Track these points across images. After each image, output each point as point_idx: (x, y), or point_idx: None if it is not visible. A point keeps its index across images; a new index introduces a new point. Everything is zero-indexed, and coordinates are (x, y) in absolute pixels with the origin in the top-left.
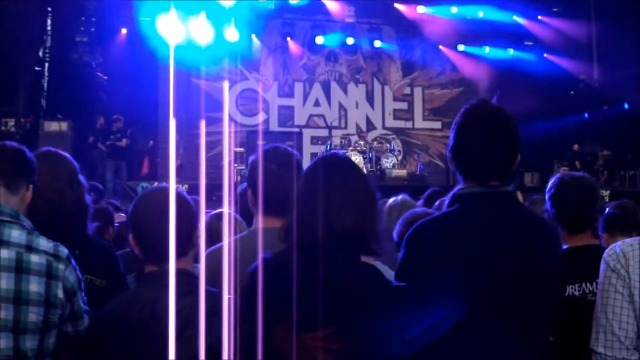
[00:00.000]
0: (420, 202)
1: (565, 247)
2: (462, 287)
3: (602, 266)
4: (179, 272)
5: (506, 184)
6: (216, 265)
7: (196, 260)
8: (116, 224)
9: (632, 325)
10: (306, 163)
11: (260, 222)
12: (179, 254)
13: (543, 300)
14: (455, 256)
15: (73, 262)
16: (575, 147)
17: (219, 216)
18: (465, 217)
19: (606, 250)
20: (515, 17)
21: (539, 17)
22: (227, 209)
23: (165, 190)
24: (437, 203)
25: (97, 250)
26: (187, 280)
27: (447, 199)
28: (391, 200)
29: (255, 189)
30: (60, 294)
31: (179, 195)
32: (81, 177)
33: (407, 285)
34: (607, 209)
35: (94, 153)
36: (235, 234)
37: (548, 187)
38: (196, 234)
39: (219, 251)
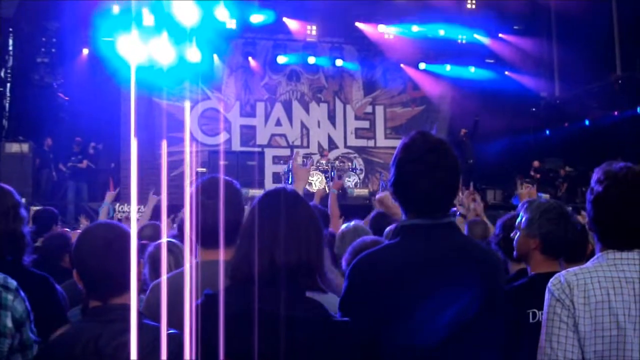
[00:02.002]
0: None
1: (532, 273)
2: (404, 320)
3: (547, 295)
4: (119, 308)
5: (448, 215)
6: (159, 299)
7: (143, 291)
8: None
9: (576, 354)
10: (268, 182)
11: (195, 256)
12: (119, 290)
13: (489, 330)
14: (396, 289)
15: (22, 293)
16: (536, 163)
17: (160, 247)
18: (407, 249)
19: (551, 280)
20: (476, 35)
21: (500, 35)
22: (165, 239)
23: (107, 226)
24: (387, 229)
25: (31, 283)
26: (127, 316)
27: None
28: (343, 226)
29: (191, 221)
30: (9, 323)
31: (117, 230)
32: (22, 211)
33: (349, 320)
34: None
35: (56, 174)
36: (178, 265)
37: (528, 209)
38: (141, 267)
39: (161, 285)
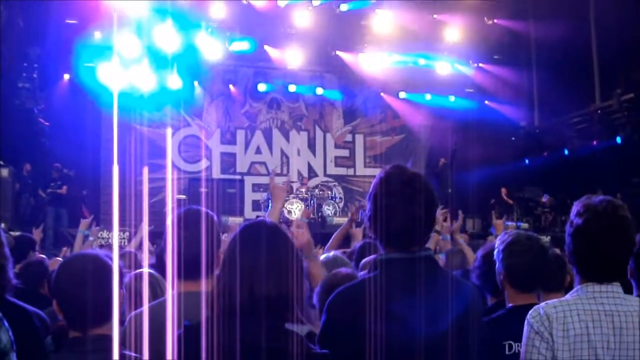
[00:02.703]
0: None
1: (509, 305)
2: (383, 353)
3: (526, 327)
4: (99, 338)
5: (425, 249)
6: (137, 330)
7: (123, 322)
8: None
9: None
10: (248, 210)
11: (174, 287)
12: (99, 321)
13: None
14: (374, 323)
15: (6, 323)
16: (504, 191)
17: (140, 276)
18: (385, 283)
19: (530, 312)
20: (456, 65)
21: (480, 65)
22: (146, 269)
23: (87, 257)
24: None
25: (9, 314)
26: (106, 346)
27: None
28: (323, 256)
29: (172, 252)
30: None
31: (97, 261)
32: (6, 250)
33: (329, 353)
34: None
35: (35, 200)
36: (155, 296)
37: (499, 241)
38: (120, 297)
39: (140, 315)
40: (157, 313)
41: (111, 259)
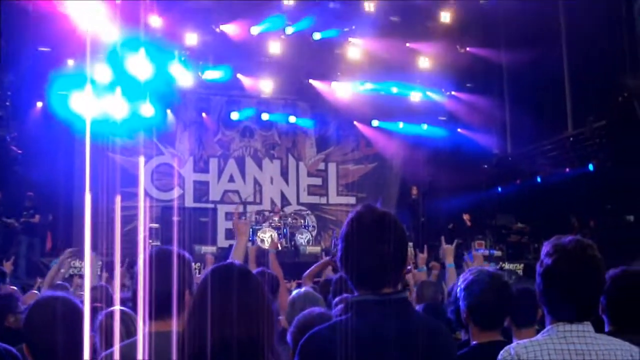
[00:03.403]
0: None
1: (473, 343)
2: None
3: None
4: None
5: (398, 290)
6: None
7: None
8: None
9: None
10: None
11: (147, 327)
12: None
13: None
14: None
15: None
16: (466, 216)
17: (111, 315)
18: (358, 326)
19: (501, 352)
20: (429, 93)
21: (453, 93)
22: (118, 307)
23: (57, 301)
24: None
25: None
26: None
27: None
28: (294, 292)
29: (143, 292)
30: None
31: (67, 304)
32: None
33: None
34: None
35: (5, 229)
36: (129, 334)
37: (462, 280)
38: (91, 340)
39: (111, 356)
40: (128, 353)
41: (82, 301)
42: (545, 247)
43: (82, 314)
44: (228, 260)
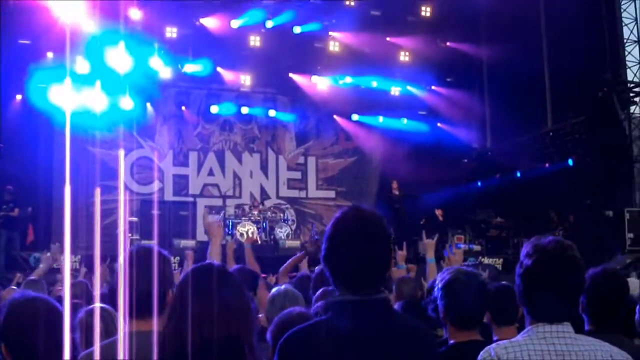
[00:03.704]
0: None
1: (451, 342)
2: None
3: None
4: None
5: (379, 291)
6: None
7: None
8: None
9: None
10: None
11: (127, 326)
12: None
13: None
14: None
15: None
16: (438, 211)
17: (91, 312)
18: (336, 326)
19: (481, 353)
20: (409, 87)
21: (433, 87)
22: (99, 305)
23: (35, 301)
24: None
25: None
26: None
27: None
28: (274, 289)
29: (123, 291)
30: None
31: (47, 305)
32: None
33: None
34: (492, 294)
35: None
36: (108, 333)
37: (439, 279)
38: (71, 342)
39: (91, 355)
40: (108, 353)
41: (61, 303)
42: (525, 248)
43: (61, 314)
44: (207, 261)
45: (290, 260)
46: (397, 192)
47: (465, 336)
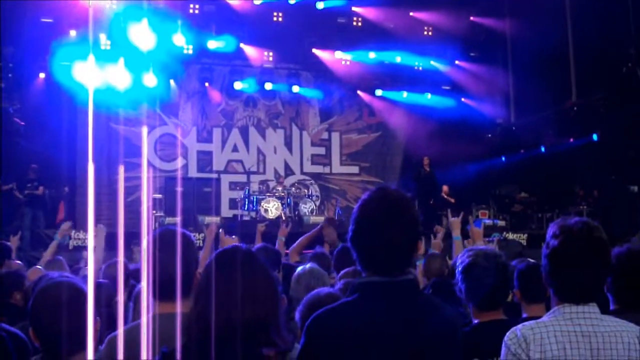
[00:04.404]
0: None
1: (475, 322)
2: None
3: (503, 350)
4: None
5: (406, 272)
6: (113, 353)
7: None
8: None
9: None
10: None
11: (149, 309)
12: (76, 348)
13: None
14: (352, 348)
15: None
16: (444, 189)
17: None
18: (364, 308)
19: (507, 334)
20: (432, 62)
21: (457, 62)
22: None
23: (62, 285)
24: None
25: None
26: None
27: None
28: (299, 268)
29: (147, 273)
30: None
31: (72, 289)
32: None
33: None
34: (521, 272)
35: (12, 200)
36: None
37: (459, 262)
38: (96, 325)
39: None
40: (133, 336)
41: (86, 284)
42: (551, 229)
43: (86, 297)
44: (232, 245)
45: (301, 238)
46: (427, 169)
47: (489, 316)
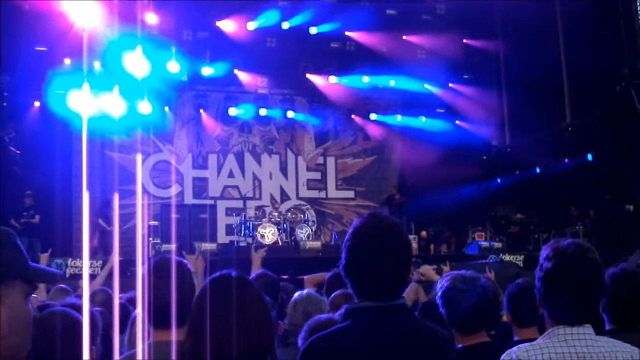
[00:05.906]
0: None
1: (459, 346)
2: None
3: None
4: None
5: (398, 297)
6: None
7: None
8: None
9: None
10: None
11: (144, 338)
12: None
13: None
14: None
15: None
16: (423, 234)
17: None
18: (357, 333)
19: (502, 356)
20: (426, 85)
21: (450, 85)
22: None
23: (55, 316)
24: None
25: None
26: None
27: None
28: (297, 294)
29: (143, 302)
30: None
31: (66, 319)
32: None
33: None
34: (512, 294)
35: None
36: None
37: (439, 286)
38: (92, 354)
39: None
40: None
41: (81, 313)
42: (544, 251)
43: (81, 327)
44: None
45: (320, 275)
46: (397, 198)
47: (472, 340)
